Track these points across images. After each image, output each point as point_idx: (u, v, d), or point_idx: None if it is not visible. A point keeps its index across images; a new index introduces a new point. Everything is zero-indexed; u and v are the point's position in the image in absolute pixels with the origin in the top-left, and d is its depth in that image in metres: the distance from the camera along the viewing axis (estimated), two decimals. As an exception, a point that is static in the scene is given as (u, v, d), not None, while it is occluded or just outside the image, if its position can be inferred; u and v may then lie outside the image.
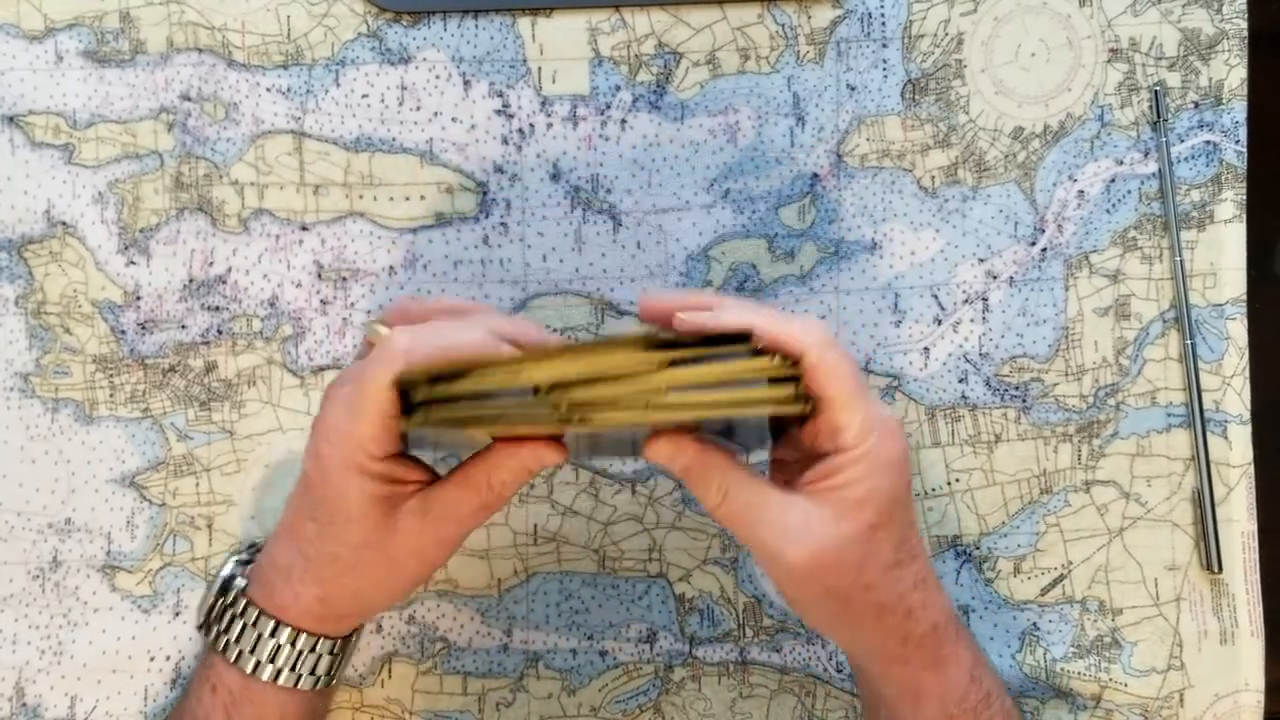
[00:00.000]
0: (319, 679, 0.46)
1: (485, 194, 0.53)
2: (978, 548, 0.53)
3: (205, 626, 0.46)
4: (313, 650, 0.45)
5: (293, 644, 0.45)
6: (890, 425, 0.41)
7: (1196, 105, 0.54)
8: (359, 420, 0.40)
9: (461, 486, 0.42)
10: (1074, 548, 0.53)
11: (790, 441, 0.45)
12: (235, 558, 0.48)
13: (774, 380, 0.40)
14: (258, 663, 0.45)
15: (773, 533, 0.40)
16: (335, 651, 0.46)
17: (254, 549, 0.49)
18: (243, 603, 0.45)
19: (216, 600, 0.46)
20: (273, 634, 0.44)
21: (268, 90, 0.53)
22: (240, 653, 0.45)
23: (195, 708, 0.46)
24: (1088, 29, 0.54)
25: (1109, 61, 0.54)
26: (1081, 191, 0.54)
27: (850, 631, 0.43)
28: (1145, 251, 0.54)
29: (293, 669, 0.45)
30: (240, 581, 0.46)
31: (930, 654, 0.43)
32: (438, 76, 0.53)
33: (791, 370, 0.40)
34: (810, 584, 0.41)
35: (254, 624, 0.45)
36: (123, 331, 0.53)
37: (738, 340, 0.39)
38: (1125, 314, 0.54)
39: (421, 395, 0.39)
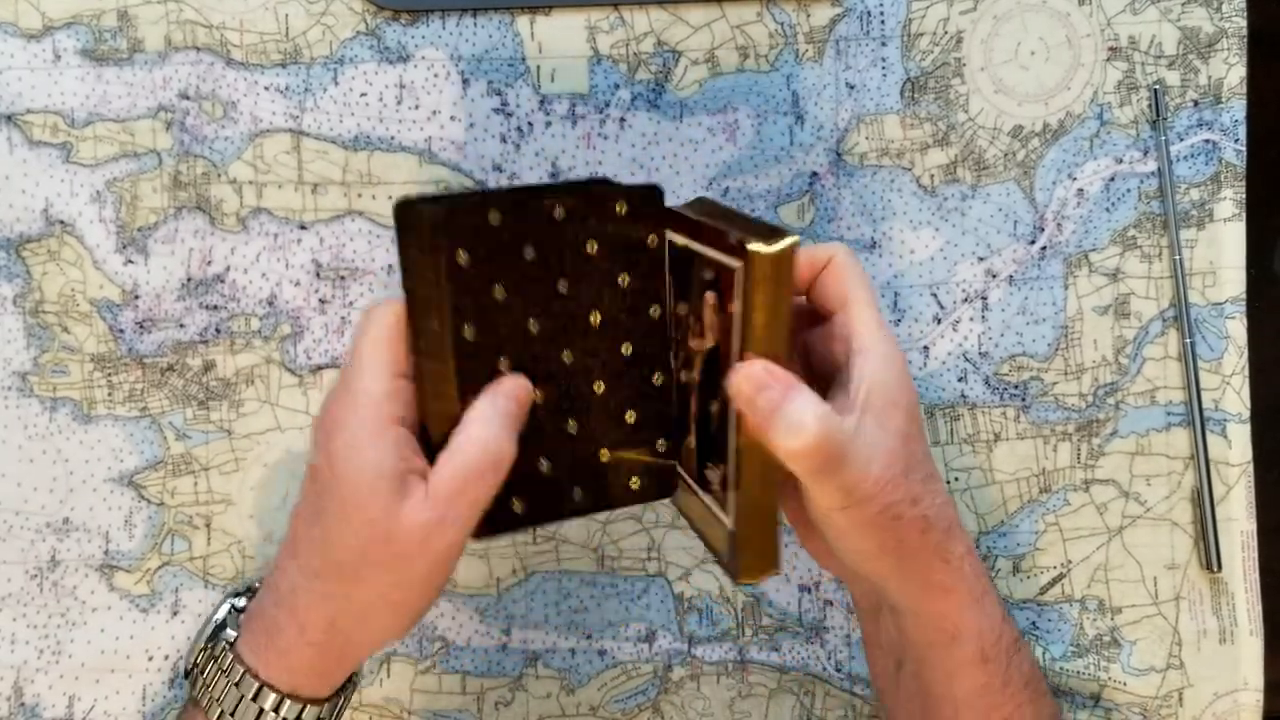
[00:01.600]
0: None
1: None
2: (977, 546, 0.53)
3: (190, 676, 0.44)
4: (298, 718, 0.42)
5: (276, 710, 0.41)
6: (891, 333, 0.41)
7: (1196, 104, 0.54)
8: (365, 376, 0.39)
9: (454, 453, 0.39)
10: (1073, 547, 0.53)
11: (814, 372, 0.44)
12: (232, 600, 0.46)
13: None
14: None
15: (851, 461, 0.38)
16: (322, 718, 0.43)
17: (251, 592, 0.46)
18: (229, 658, 0.42)
19: (206, 647, 0.44)
20: (257, 698, 0.41)
21: (266, 89, 0.53)
22: (222, 713, 0.42)
23: None
24: (1087, 27, 0.54)
25: (1108, 60, 0.54)
26: (1081, 190, 0.54)
27: (899, 554, 0.41)
28: (1145, 250, 0.54)
29: None
30: (231, 633, 0.43)
31: (972, 583, 0.42)
32: (436, 75, 0.53)
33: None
34: (871, 506, 0.39)
35: (238, 684, 0.42)
36: (121, 330, 0.53)
37: None
38: (1125, 313, 0.54)
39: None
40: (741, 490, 0.40)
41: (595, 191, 0.41)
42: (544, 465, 0.42)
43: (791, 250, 0.38)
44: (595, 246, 0.41)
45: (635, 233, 0.42)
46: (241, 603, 0.46)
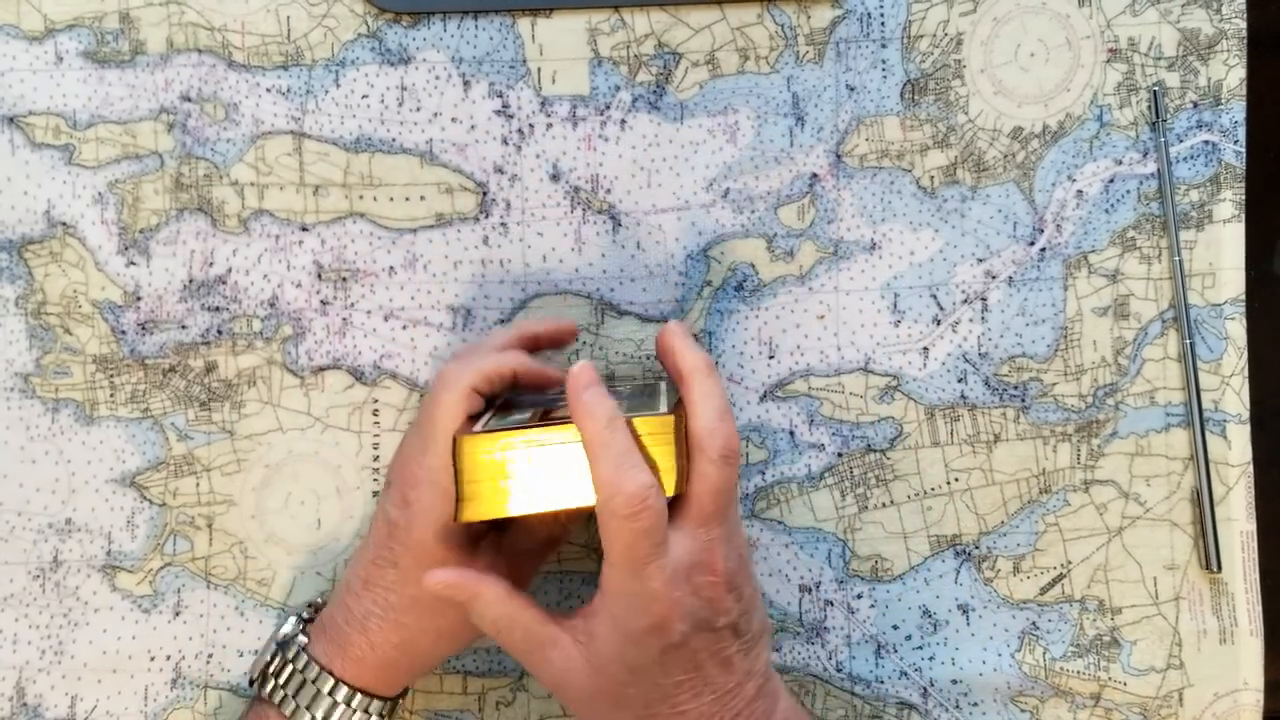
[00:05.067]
0: None
1: (485, 194, 0.53)
2: (977, 547, 0.54)
3: (262, 680, 0.47)
4: (365, 711, 0.46)
5: (349, 703, 0.46)
6: (642, 603, 0.41)
7: (1195, 105, 0.54)
8: (441, 437, 0.44)
9: (528, 522, 0.46)
10: (1073, 547, 0.53)
11: None
12: (295, 616, 0.49)
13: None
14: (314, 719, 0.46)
15: (543, 671, 0.43)
16: (384, 714, 0.47)
17: (313, 608, 0.50)
18: (304, 659, 0.46)
19: (275, 656, 0.47)
20: (331, 692, 0.46)
21: (268, 91, 0.53)
22: (297, 708, 0.46)
23: None
24: (1087, 29, 0.54)
25: (1108, 61, 0.54)
26: (1080, 191, 0.54)
27: None
28: (1144, 251, 0.54)
29: None
30: (302, 638, 0.47)
31: None
32: (437, 77, 0.53)
33: None
34: (581, 706, 0.43)
35: (314, 680, 0.46)
36: (123, 332, 0.53)
37: None
38: (1124, 314, 0.54)
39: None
40: None
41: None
42: None
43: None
44: None
45: None
46: (307, 614, 0.49)
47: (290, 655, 0.47)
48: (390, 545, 0.45)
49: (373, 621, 0.45)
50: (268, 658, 0.47)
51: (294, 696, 0.46)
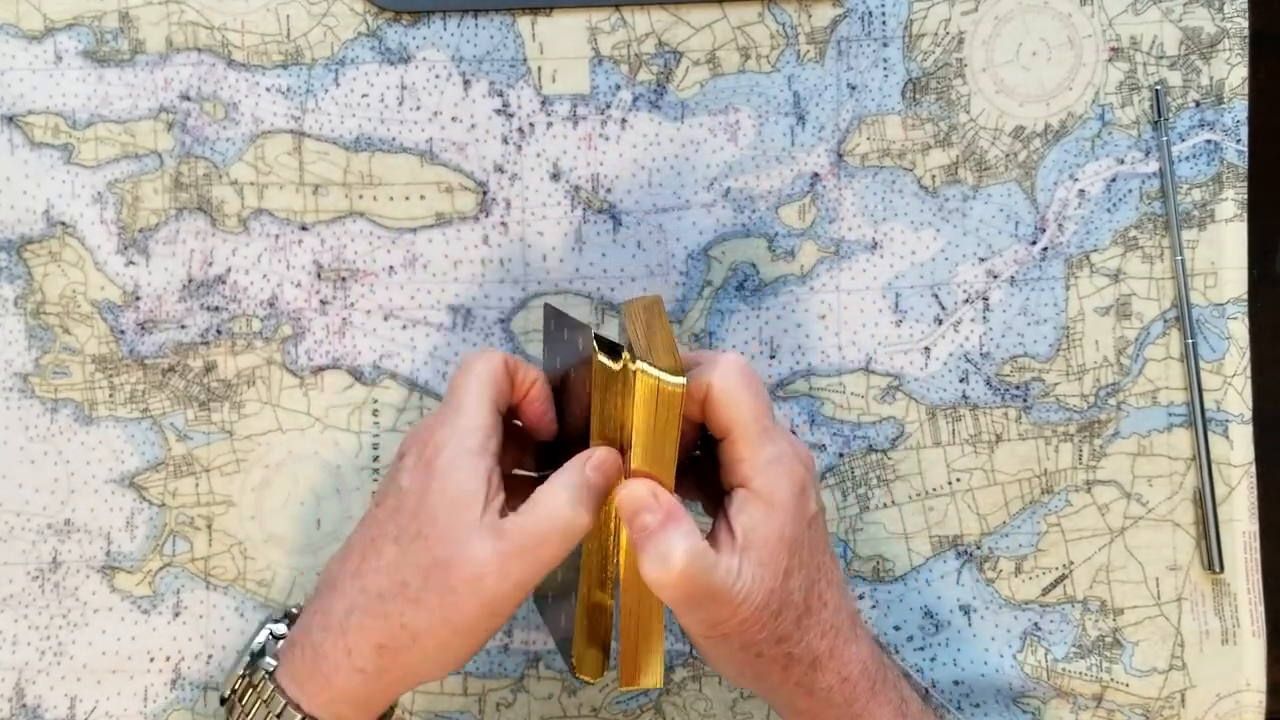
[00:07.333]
0: None
1: (485, 193, 0.53)
2: (979, 547, 0.53)
3: (227, 704, 0.43)
4: None
5: None
6: (785, 464, 0.40)
7: (1198, 104, 0.54)
8: (468, 408, 0.41)
9: (528, 510, 0.40)
10: (1075, 547, 0.53)
11: (702, 486, 0.44)
12: (270, 627, 0.45)
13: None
14: None
15: (720, 600, 0.39)
16: None
17: (290, 618, 0.45)
18: (269, 688, 0.41)
19: (245, 675, 0.43)
20: None
21: (267, 90, 0.53)
22: None
23: None
24: (1089, 28, 0.54)
25: (1110, 60, 0.54)
26: (1082, 191, 0.54)
27: (760, 684, 0.42)
28: (1146, 251, 0.54)
29: None
30: (270, 662, 0.42)
31: (840, 710, 0.42)
32: (437, 76, 0.53)
33: None
34: (734, 640, 0.40)
35: (279, 715, 0.41)
36: (122, 332, 0.53)
37: None
38: (1126, 313, 0.54)
39: None
40: (622, 592, 0.41)
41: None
42: None
43: (676, 390, 0.39)
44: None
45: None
46: (280, 629, 0.45)
47: (256, 681, 0.42)
48: (398, 519, 0.40)
49: (354, 618, 0.40)
50: (239, 671, 0.43)
51: None
